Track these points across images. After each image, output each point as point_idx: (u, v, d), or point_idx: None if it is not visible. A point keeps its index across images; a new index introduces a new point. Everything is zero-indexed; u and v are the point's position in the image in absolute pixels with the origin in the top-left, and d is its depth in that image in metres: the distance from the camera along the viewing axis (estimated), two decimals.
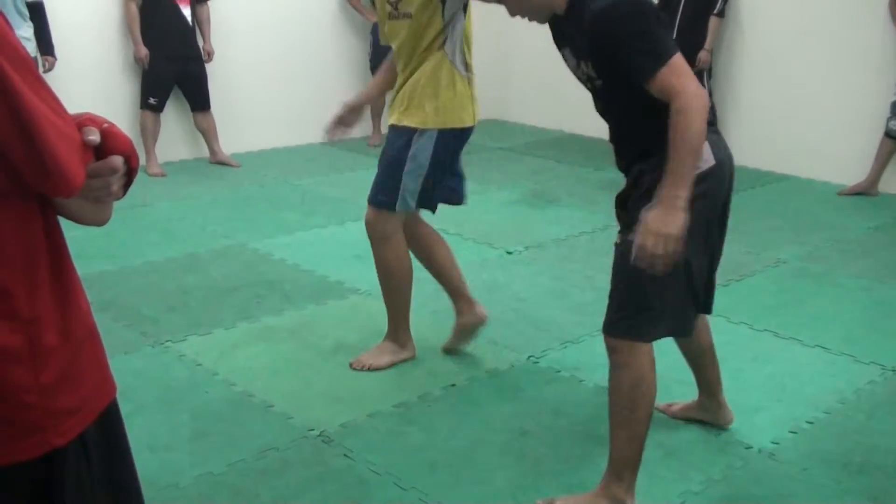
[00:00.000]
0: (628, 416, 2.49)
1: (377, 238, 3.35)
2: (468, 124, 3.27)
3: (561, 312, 3.97)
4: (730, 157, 2.50)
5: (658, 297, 2.44)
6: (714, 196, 2.45)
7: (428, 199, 3.32)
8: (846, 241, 5.06)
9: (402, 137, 3.22)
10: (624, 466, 2.52)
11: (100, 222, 1.36)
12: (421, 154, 3.20)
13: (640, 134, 2.49)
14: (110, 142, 1.25)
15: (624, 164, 2.59)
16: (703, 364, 2.95)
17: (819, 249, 4.91)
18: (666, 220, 2.26)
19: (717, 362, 2.96)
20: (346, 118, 3.45)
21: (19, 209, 1.22)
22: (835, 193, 6.05)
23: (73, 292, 1.33)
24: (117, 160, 1.26)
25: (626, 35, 2.33)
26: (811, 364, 3.54)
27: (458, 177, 3.45)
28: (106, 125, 1.26)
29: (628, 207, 2.53)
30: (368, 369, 3.43)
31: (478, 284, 4.27)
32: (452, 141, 3.27)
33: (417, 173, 3.21)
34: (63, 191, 1.19)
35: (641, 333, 2.46)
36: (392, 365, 3.45)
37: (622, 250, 2.46)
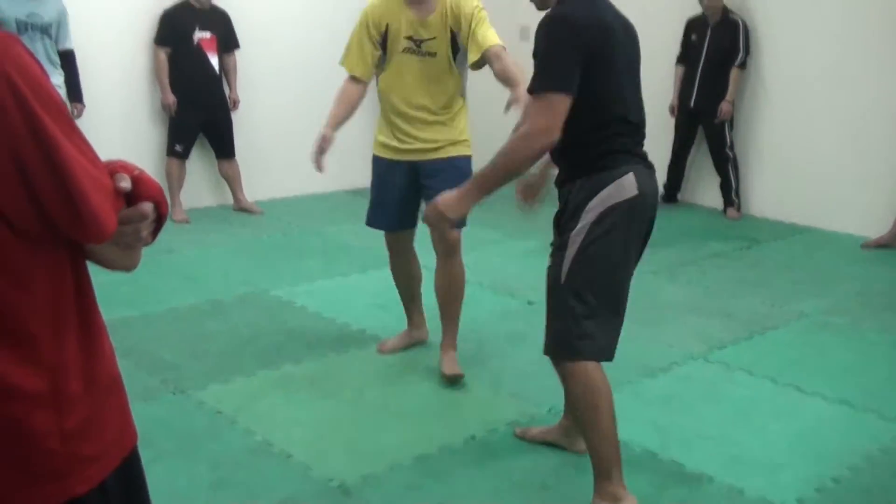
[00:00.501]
0: (592, 418, 2.63)
1: (458, 253, 3.76)
2: None
3: None
4: (654, 191, 2.66)
5: (592, 317, 2.59)
6: (634, 221, 2.60)
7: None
8: (870, 295, 5.01)
9: (466, 165, 3.69)
10: (608, 465, 2.65)
11: (129, 267, 1.38)
12: None
13: (570, 154, 2.64)
14: (141, 188, 1.27)
15: (559, 181, 2.74)
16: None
17: (842, 302, 4.87)
18: (452, 207, 2.62)
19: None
20: (325, 146, 3.76)
21: (50, 255, 1.23)
22: (858, 246, 6.01)
23: (99, 339, 1.34)
24: (147, 206, 1.28)
25: (540, 48, 2.53)
26: (836, 420, 3.50)
27: None
28: (137, 172, 1.28)
29: (559, 228, 2.70)
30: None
31: (499, 335, 4.27)
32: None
33: None
34: (95, 237, 1.21)
35: (585, 353, 2.62)
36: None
37: (552, 272, 2.65)
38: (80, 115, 5.73)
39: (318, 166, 3.75)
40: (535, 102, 2.52)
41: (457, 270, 3.78)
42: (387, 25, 3.59)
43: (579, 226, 2.56)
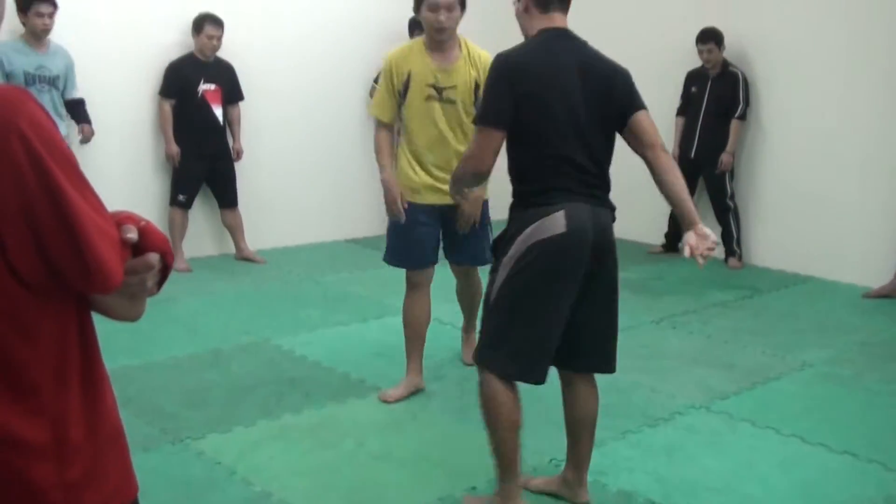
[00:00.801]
0: (490, 425, 2.87)
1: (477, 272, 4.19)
2: None
3: None
4: (591, 229, 2.78)
5: (507, 341, 2.80)
6: (558, 260, 2.75)
7: None
8: (873, 345, 5.00)
9: (486, 207, 3.98)
10: (502, 468, 2.90)
11: (133, 318, 1.38)
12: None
13: (514, 186, 2.91)
14: (147, 239, 1.29)
15: (510, 206, 2.94)
16: (579, 435, 3.08)
17: (845, 353, 4.85)
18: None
19: (593, 438, 3.10)
20: (396, 191, 3.89)
21: (56, 305, 1.24)
22: (860, 296, 6.01)
23: (101, 389, 1.34)
24: (154, 257, 1.29)
25: (485, 84, 2.92)
26: (840, 471, 3.46)
27: None
28: (143, 223, 1.29)
29: (496, 252, 2.92)
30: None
31: None
32: None
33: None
34: (102, 288, 1.22)
35: (492, 367, 2.83)
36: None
37: (486, 291, 2.88)
38: (89, 135, 5.74)
39: (402, 213, 3.89)
40: (475, 134, 2.88)
41: (478, 281, 4.22)
42: (409, 73, 3.75)
43: (509, 255, 2.78)
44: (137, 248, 1.28)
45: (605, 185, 2.91)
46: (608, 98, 2.84)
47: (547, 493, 3.18)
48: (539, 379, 2.85)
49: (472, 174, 2.93)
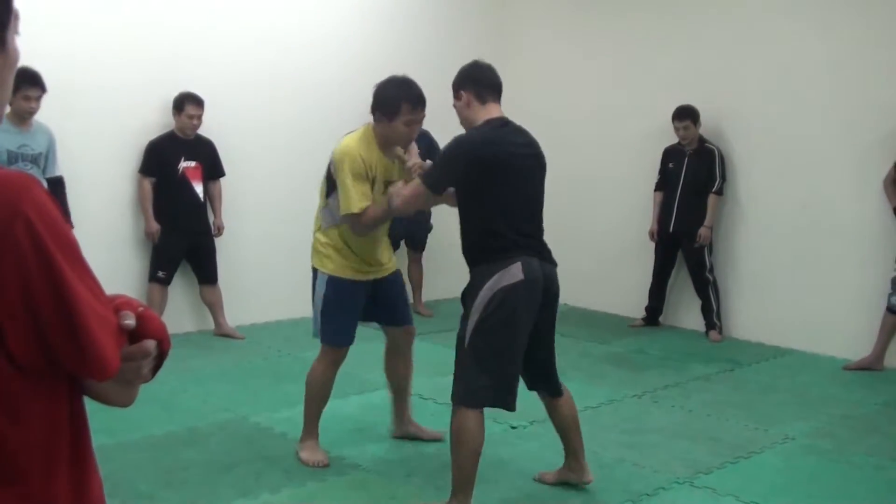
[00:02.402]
0: (455, 451, 3.42)
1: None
2: None
3: (566, 491, 3.87)
4: (542, 275, 3.45)
5: (479, 377, 3.37)
6: (518, 302, 3.38)
7: None
8: (855, 418, 4.99)
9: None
10: (457, 487, 3.44)
11: (125, 403, 1.37)
12: None
13: (472, 249, 3.52)
14: (145, 325, 1.28)
15: (469, 264, 3.54)
16: (568, 434, 3.80)
17: (827, 426, 4.84)
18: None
19: (579, 431, 3.80)
20: None
21: (48, 389, 1.22)
22: (840, 368, 6.03)
23: (89, 476, 1.31)
24: (150, 345, 1.29)
25: (441, 153, 3.64)
26: None
27: None
28: (141, 309, 1.29)
29: (465, 303, 3.49)
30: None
31: (483, 460, 4.18)
32: None
33: None
34: (98, 375, 1.21)
35: (468, 402, 3.41)
36: None
37: (460, 336, 3.45)
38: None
39: None
40: (414, 185, 3.62)
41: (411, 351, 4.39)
42: (374, 167, 3.89)
43: (477, 302, 3.37)
44: (134, 334, 1.27)
45: (545, 244, 3.58)
46: (544, 171, 3.61)
47: (560, 482, 3.85)
48: (512, 405, 3.46)
49: (397, 209, 3.71)
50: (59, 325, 1.15)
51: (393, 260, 4.27)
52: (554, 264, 3.58)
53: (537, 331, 3.51)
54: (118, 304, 1.26)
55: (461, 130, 3.60)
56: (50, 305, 1.14)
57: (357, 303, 4.11)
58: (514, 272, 3.35)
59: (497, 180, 3.40)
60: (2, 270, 1.12)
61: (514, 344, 3.41)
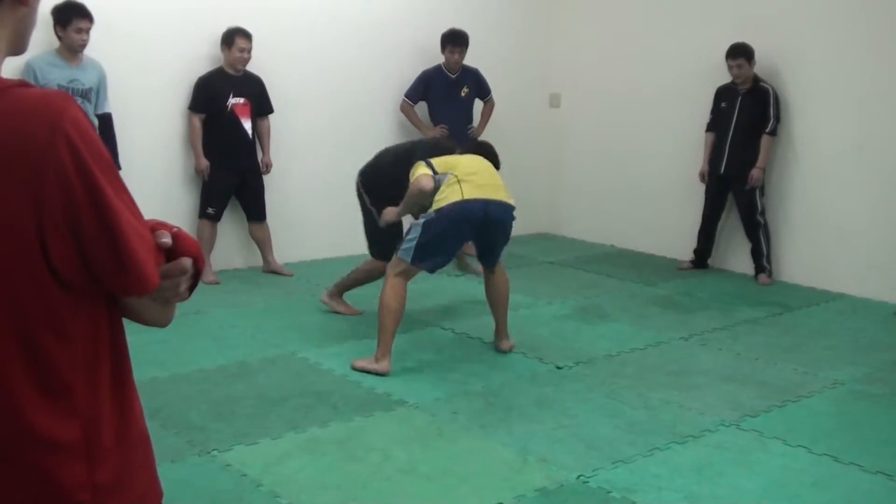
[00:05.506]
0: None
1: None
2: None
3: (612, 430, 3.88)
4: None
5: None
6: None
7: None
8: None
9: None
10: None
11: (164, 323, 1.39)
12: None
13: None
14: (180, 245, 1.31)
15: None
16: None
17: (878, 371, 4.78)
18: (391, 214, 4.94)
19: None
20: None
21: (91, 309, 1.26)
22: (892, 313, 5.93)
23: (130, 394, 1.35)
24: (187, 261, 1.31)
25: None
26: (873, 491, 3.41)
27: None
28: (175, 229, 1.32)
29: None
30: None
31: (528, 399, 4.23)
32: None
33: None
34: (138, 290, 1.24)
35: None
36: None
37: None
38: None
39: None
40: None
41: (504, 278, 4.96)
42: None
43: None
44: (170, 254, 1.30)
45: None
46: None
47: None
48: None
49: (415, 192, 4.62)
50: (100, 240, 1.18)
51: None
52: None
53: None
54: (154, 226, 1.29)
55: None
56: (91, 220, 1.17)
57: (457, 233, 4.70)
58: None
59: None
60: (45, 186, 1.15)
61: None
